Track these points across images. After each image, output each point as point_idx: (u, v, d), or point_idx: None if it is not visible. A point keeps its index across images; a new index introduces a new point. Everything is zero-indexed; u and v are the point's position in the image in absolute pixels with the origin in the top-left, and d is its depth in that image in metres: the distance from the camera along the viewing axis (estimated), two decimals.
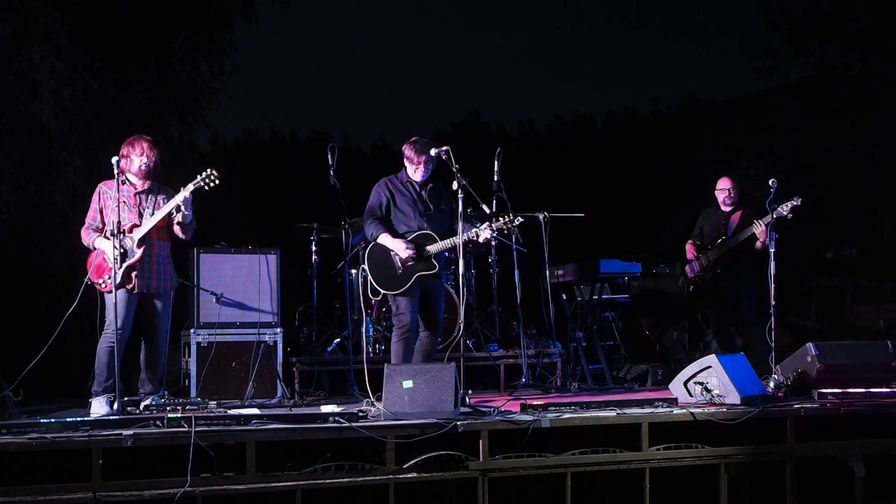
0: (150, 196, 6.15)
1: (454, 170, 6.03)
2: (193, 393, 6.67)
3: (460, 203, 6.00)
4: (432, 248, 6.33)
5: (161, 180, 6.35)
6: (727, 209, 7.81)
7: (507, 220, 6.23)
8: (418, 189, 6.47)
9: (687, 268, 7.92)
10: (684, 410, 5.72)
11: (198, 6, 10.23)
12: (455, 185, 6.02)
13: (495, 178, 7.05)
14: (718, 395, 5.92)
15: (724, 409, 5.76)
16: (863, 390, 6.13)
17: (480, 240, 6.37)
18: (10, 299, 8.27)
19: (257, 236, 7.32)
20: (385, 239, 6.31)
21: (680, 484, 5.70)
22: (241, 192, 14.97)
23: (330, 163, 6.94)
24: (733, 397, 5.87)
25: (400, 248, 6.26)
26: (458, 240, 6.06)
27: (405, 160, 6.45)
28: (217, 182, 5.97)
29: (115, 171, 5.70)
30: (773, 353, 6.54)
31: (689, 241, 7.99)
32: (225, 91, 10.68)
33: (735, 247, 7.54)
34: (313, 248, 8.03)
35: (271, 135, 20.65)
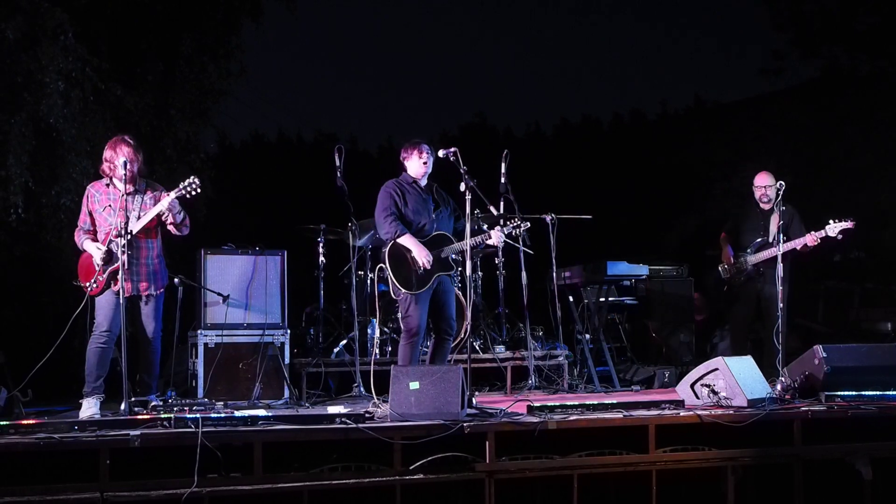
0: (136, 197, 6.06)
1: (462, 171, 6.02)
2: (201, 394, 6.68)
3: (468, 205, 5.99)
4: (448, 250, 6.32)
5: (151, 178, 6.33)
6: (766, 207, 7.72)
7: (514, 224, 6.22)
8: (423, 190, 6.47)
9: (721, 268, 7.83)
10: (691, 412, 5.71)
11: (205, 8, 10.25)
12: (463, 187, 6.00)
13: (502, 180, 7.05)
14: (725, 398, 5.91)
15: (731, 412, 5.75)
16: (871, 393, 6.11)
17: (491, 242, 6.34)
18: (18, 300, 8.29)
19: (264, 237, 7.34)
20: (407, 240, 6.25)
21: (686, 486, 5.68)
22: (248, 194, 15.05)
23: (337, 164, 6.95)
24: (740, 400, 5.86)
25: (421, 256, 6.20)
26: (466, 242, 6.05)
27: (406, 160, 6.44)
28: (199, 190, 5.94)
29: (122, 172, 5.70)
30: (780, 356, 6.53)
31: (723, 234, 7.88)
32: (232, 92, 10.72)
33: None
34: (320, 250, 8.03)
35: (278, 136, 20.72)
